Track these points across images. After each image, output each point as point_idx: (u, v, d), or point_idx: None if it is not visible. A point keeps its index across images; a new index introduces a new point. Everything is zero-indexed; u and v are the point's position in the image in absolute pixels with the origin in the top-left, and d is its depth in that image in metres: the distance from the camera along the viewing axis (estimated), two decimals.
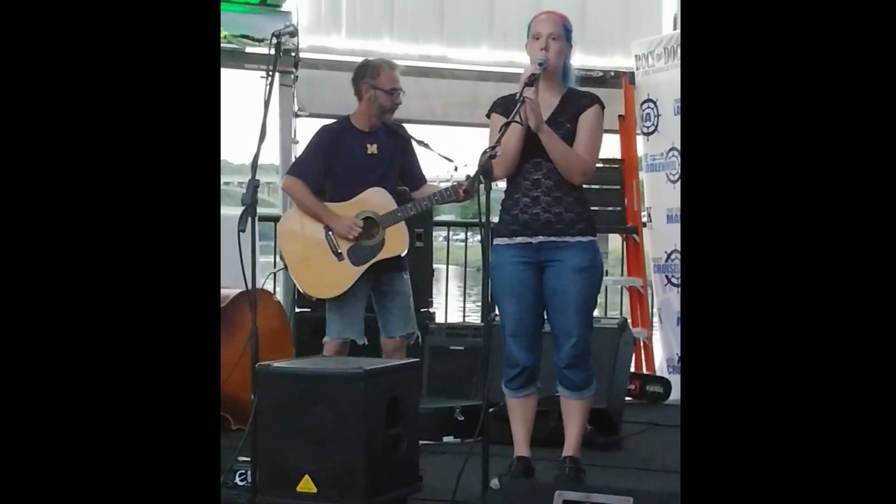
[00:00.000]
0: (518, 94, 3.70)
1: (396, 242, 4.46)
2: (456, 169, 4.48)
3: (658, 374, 6.47)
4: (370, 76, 4.58)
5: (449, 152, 4.56)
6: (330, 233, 4.49)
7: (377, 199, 4.48)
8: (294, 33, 4.35)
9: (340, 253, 4.47)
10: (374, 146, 4.57)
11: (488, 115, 3.99)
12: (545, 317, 3.94)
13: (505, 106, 3.88)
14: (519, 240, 3.89)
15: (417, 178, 4.64)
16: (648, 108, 6.56)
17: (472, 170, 3.86)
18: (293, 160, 5.12)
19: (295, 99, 6.22)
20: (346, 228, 4.44)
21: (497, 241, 3.90)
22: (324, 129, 4.66)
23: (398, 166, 4.60)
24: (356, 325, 4.53)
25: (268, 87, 3.77)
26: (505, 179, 3.94)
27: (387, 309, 4.59)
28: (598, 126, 3.93)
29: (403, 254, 4.49)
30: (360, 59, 4.88)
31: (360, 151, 4.55)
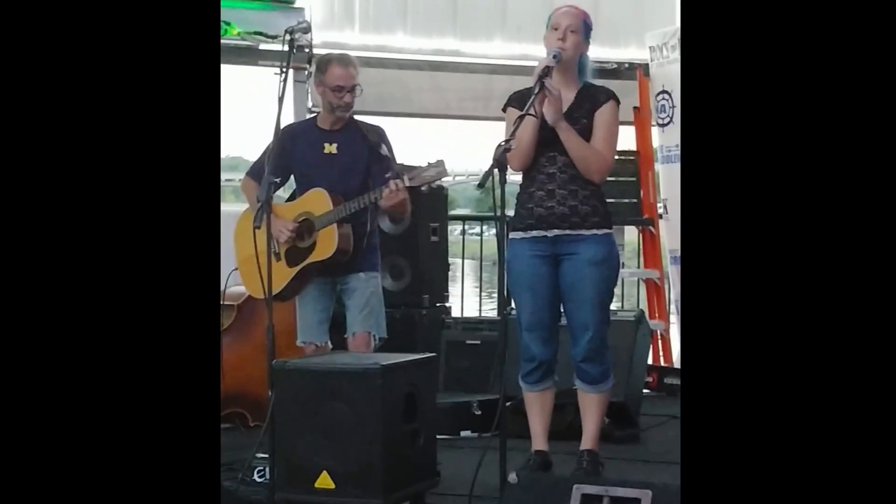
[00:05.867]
0: (534, 87, 3.69)
1: (325, 245, 4.30)
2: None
3: (676, 366, 6.46)
4: (319, 72, 4.45)
5: (462, 146, 4.49)
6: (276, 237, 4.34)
7: (316, 200, 4.34)
8: (307, 29, 4.30)
9: (278, 253, 4.32)
10: (334, 146, 4.42)
11: (504, 109, 3.98)
12: (561, 310, 3.94)
13: (521, 100, 3.87)
14: (534, 233, 3.88)
15: (379, 182, 4.27)
16: (663, 99, 6.54)
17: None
18: None
19: (309, 95, 6.21)
20: (277, 231, 4.27)
21: (512, 234, 3.89)
22: (285, 128, 4.41)
23: (362, 167, 4.38)
24: (313, 328, 4.43)
25: (282, 83, 3.76)
26: (521, 173, 3.93)
27: (346, 307, 4.45)
28: (614, 122, 3.92)
29: (329, 256, 4.28)
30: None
31: (316, 151, 4.43)
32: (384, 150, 4.35)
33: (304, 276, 4.39)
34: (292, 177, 4.55)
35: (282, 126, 3.90)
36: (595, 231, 3.86)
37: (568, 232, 3.85)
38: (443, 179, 4.49)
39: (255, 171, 4.45)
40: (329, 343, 4.47)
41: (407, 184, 4.15)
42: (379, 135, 4.42)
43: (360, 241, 4.38)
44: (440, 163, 4.17)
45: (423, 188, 4.36)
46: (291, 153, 4.42)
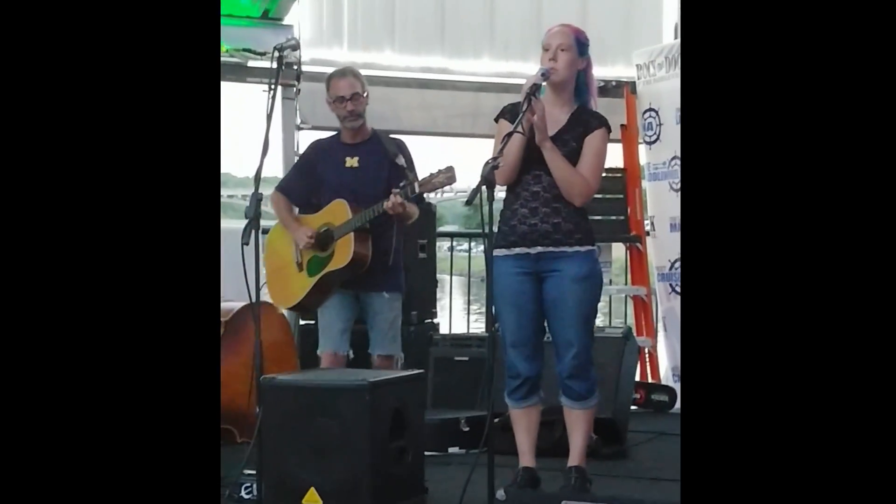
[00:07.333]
0: (522, 104, 3.70)
1: (342, 253, 4.40)
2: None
3: (663, 382, 6.46)
4: (327, 90, 4.61)
5: (450, 163, 4.46)
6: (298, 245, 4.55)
7: (337, 211, 4.45)
8: (296, 47, 4.35)
9: (300, 263, 4.53)
10: (355, 159, 4.55)
11: (496, 120, 3.97)
12: (546, 327, 3.94)
13: (514, 112, 3.87)
14: (517, 251, 3.88)
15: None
16: (650, 117, 6.57)
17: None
18: None
19: (297, 112, 6.23)
20: (299, 238, 4.49)
21: (496, 252, 3.87)
22: (312, 144, 4.77)
23: (383, 179, 4.48)
24: (335, 337, 4.52)
25: (270, 100, 3.78)
26: (504, 189, 3.93)
27: (369, 326, 4.57)
28: (603, 150, 3.92)
29: (345, 264, 4.37)
30: (361, 72, 4.87)
31: (339, 164, 4.55)
32: (400, 160, 4.46)
33: (326, 287, 4.49)
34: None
35: (267, 140, 3.94)
36: (578, 248, 3.87)
37: (551, 249, 3.85)
38: (429, 196, 4.55)
39: (283, 185, 4.72)
40: (351, 353, 4.56)
41: (417, 191, 4.25)
42: (398, 146, 4.56)
43: (385, 257, 4.47)
44: (449, 169, 4.24)
45: (432, 195, 4.46)
46: (317, 167, 4.60)
